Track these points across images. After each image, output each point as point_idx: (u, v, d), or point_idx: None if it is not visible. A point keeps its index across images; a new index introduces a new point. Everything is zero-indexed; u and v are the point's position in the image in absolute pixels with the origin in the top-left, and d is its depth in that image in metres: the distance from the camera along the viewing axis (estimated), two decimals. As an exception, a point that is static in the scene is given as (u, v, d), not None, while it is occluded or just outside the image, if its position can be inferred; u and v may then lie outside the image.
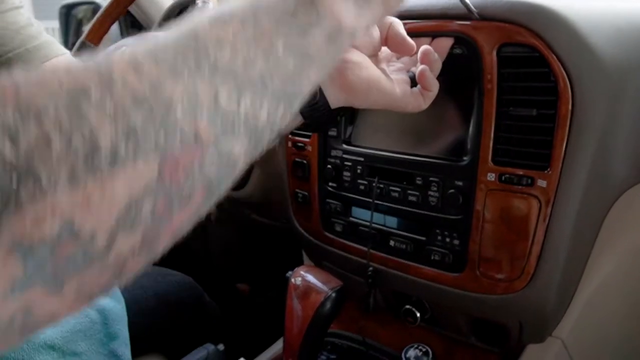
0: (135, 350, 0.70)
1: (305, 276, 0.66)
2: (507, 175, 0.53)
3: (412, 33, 0.57)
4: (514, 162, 0.52)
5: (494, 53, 0.51)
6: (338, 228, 0.71)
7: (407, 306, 0.68)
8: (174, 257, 0.92)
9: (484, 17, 0.51)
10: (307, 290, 0.65)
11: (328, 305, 0.63)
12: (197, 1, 0.75)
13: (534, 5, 0.49)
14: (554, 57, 0.48)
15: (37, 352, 0.62)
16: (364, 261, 0.67)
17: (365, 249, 0.67)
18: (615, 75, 0.49)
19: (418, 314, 0.68)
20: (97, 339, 0.67)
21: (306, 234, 0.76)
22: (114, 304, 0.71)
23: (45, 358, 0.62)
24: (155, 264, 0.83)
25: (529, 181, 0.51)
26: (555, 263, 0.53)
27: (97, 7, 1.32)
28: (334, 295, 0.63)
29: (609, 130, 0.50)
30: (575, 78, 0.48)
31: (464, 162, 0.57)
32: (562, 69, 0.48)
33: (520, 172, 0.52)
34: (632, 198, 0.53)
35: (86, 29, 1.04)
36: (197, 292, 0.87)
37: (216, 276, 1.25)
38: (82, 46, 0.94)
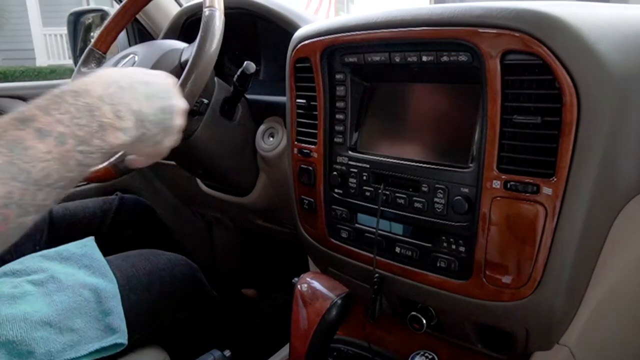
0: (133, 324, 0.71)
1: (311, 283, 0.66)
2: (513, 183, 0.52)
3: (416, 40, 0.58)
4: (519, 169, 0.52)
5: (498, 60, 0.51)
6: (344, 234, 0.71)
7: (413, 313, 0.68)
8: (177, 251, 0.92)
9: (489, 24, 0.51)
10: (313, 296, 0.65)
11: (334, 311, 0.63)
12: (204, 9, 0.76)
13: (538, 12, 0.49)
14: (559, 64, 0.47)
15: (34, 329, 0.64)
16: (370, 268, 0.67)
17: (371, 255, 0.67)
18: (621, 83, 0.49)
19: (424, 321, 0.67)
20: (92, 315, 0.69)
21: (312, 240, 0.76)
22: (107, 283, 0.73)
23: (42, 334, 0.63)
24: (143, 237, 0.81)
25: (535, 189, 0.51)
26: (562, 270, 0.53)
27: (105, 14, 1.33)
28: (339, 302, 0.63)
29: (615, 137, 0.50)
30: (581, 86, 0.48)
31: (470, 169, 0.57)
32: (567, 76, 0.48)
33: (526, 179, 0.52)
34: (638, 207, 0.53)
35: (95, 35, 1.05)
36: (191, 268, 0.87)
37: (223, 281, 1.25)
38: (90, 54, 0.95)
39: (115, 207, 1.03)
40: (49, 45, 9.93)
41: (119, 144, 0.43)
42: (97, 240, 0.83)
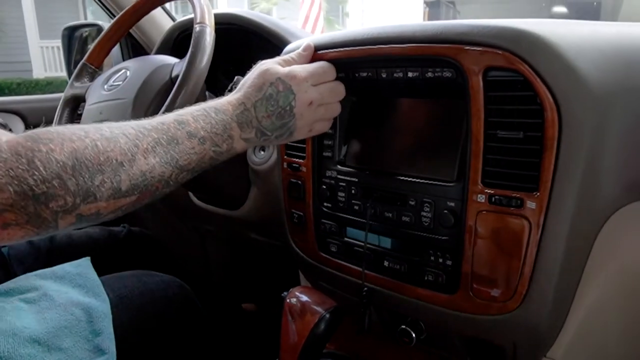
0: (123, 345, 0.71)
1: (300, 297, 0.67)
2: (497, 197, 0.53)
3: (402, 56, 0.59)
4: (504, 183, 0.53)
5: (481, 77, 0.52)
6: (333, 248, 0.71)
7: (403, 326, 0.68)
8: (174, 274, 0.92)
9: (472, 42, 0.52)
10: (302, 310, 0.65)
11: (322, 326, 0.63)
12: (195, 25, 0.77)
13: (518, 30, 0.50)
14: (540, 81, 0.48)
15: (22, 346, 0.63)
16: (359, 281, 0.68)
17: (360, 269, 0.67)
18: (601, 98, 0.50)
19: (413, 334, 0.68)
20: (82, 335, 0.68)
21: (302, 254, 0.77)
22: (99, 303, 0.72)
23: (30, 352, 0.63)
24: (143, 268, 0.83)
25: (519, 203, 0.52)
26: (547, 283, 0.53)
27: (100, 28, 1.34)
28: (328, 316, 0.63)
29: (597, 152, 0.50)
30: (562, 101, 0.49)
31: (455, 184, 0.58)
32: (547, 92, 0.48)
33: (510, 193, 0.52)
34: (622, 219, 0.53)
35: (89, 49, 1.06)
36: (184, 290, 0.86)
37: (221, 296, 1.25)
38: (83, 68, 0.95)
39: (122, 239, 1.03)
40: (46, 57, 9.97)
41: (242, 149, 0.59)
42: (93, 262, 0.83)
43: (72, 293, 0.73)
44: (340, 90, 0.65)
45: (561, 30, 0.51)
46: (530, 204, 0.51)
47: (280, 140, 0.62)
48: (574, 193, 0.50)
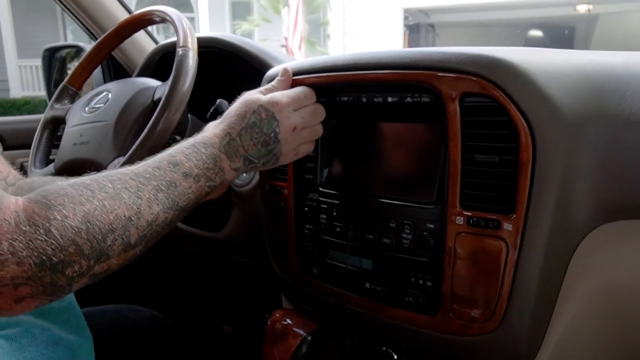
0: None
1: (282, 319, 0.67)
2: (475, 219, 0.54)
3: (381, 82, 0.60)
4: (481, 206, 0.54)
5: (458, 102, 0.53)
6: (315, 270, 0.72)
7: (384, 348, 0.68)
8: (153, 296, 0.90)
9: (448, 68, 0.54)
10: (284, 333, 0.65)
11: (304, 349, 0.63)
12: (178, 49, 0.78)
13: (493, 58, 0.52)
14: (514, 106, 0.50)
15: None
16: (341, 303, 0.68)
17: (341, 291, 0.68)
18: (573, 124, 0.52)
19: (395, 356, 0.68)
20: None
21: (284, 276, 0.77)
22: (82, 341, 0.71)
23: None
24: (126, 301, 0.83)
25: (496, 224, 0.53)
26: (524, 303, 0.54)
27: (80, 49, 1.34)
28: (310, 338, 0.63)
29: (570, 175, 0.52)
30: (535, 126, 0.50)
31: (434, 206, 0.59)
32: (521, 118, 0.50)
33: (487, 215, 0.54)
34: (595, 240, 0.55)
35: (70, 67, 1.05)
36: (167, 328, 0.85)
37: (195, 316, 1.23)
38: (64, 90, 0.95)
39: None
40: (24, 76, 9.85)
41: (232, 179, 0.61)
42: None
43: (55, 330, 0.71)
44: (321, 112, 0.66)
45: (534, 58, 0.53)
46: (507, 226, 0.53)
47: (267, 165, 0.63)
48: (548, 214, 0.52)
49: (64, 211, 0.44)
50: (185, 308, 1.07)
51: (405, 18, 7.44)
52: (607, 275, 0.55)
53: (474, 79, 0.52)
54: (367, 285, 0.66)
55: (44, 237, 0.42)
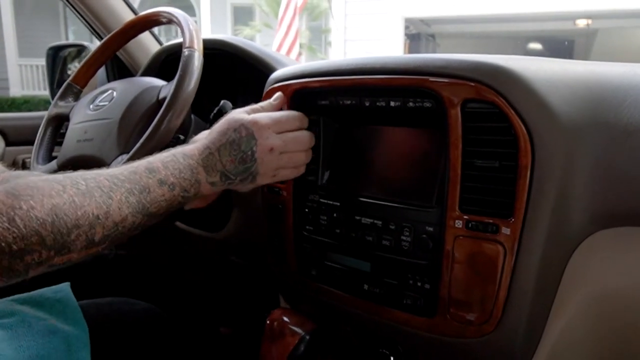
0: None
1: (280, 319, 0.67)
2: (474, 223, 0.55)
3: (384, 87, 0.62)
4: (480, 210, 0.55)
5: (459, 108, 0.54)
6: (313, 271, 0.72)
7: (381, 349, 0.69)
8: (150, 291, 0.91)
9: (450, 74, 0.55)
10: (282, 332, 0.66)
11: (302, 347, 0.63)
12: (184, 50, 0.79)
13: (495, 65, 0.53)
14: (514, 113, 0.51)
15: None
16: (339, 305, 0.68)
17: (340, 292, 0.68)
18: (570, 131, 0.53)
19: (392, 358, 0.68)
20: None
21: (282, 277, 0.77)
22: (78, 332, 0.71)
23: None
24: (124, 295, 0.84)
25: (494, 228, 0.54)
26: (521, 307, 0.55)
27: (83, 48, 1.34)
28: (307, 337, 0.64)
29: (567, 181, 0.53)
30: (534, 133, 0.52)
31: (434, 209, 0.60)
32: (521, 124, 0.51)
33: (486, 219, 0.55)
34: (591, 246, 0.56)
35: (72, 67, 1.06)
36: (164, 322, 0.85)
37: (192, 314, 1.23)
38: (68, 88, 0.96)
39: (109, 262, 1.02)
40: (24, 75, 9.85)
41: (208, 192, 0.62)
42: (74, 284, 0.82)
43: (51, 320, 0.72)
44: (305, 139, 0.67)
45: (534, 67, 0.55)
46: (505, 230, 0.54)
47: (244, 184, 0.64)
48: (546, 219, 0.53)
49: (31, 202, 0.45)
50: (182, 305, 1.07)
51: (406, 27, 7.49)
52: (603, 282, 0.56)
53: (475, 85, 0.53)
54: (366, 287, 0.66)
55: (7, 224, 0.43)
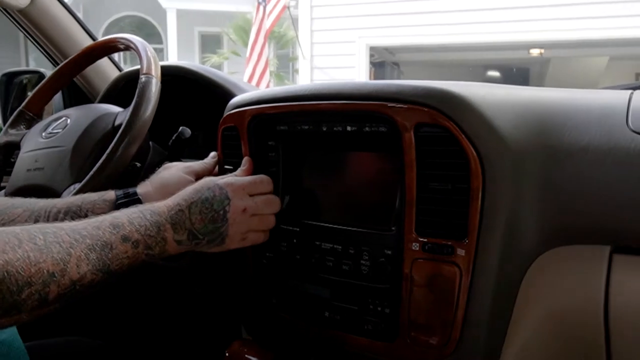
0: None
1: (239, 350, 0.65)
2: (430, 245, 0.56)
3: (339, 112, 0.62)
4: (436, 232, 0.56)
5: (412, 132, 0.56)
6: (274, 300, 0.71)
7: (344, 378, 0.68)
8: (104, 328, 0.87)
9: (403, 100, 0.56)
10: (242, 364, 0.64)
11: (262, 379, 0.62)
12: (141, 76, 0.78)
13: (446, 91, 0.55)
14: (464, 137, 0.53)
15: None
16: (301, 332, 0.67)
17: (301, 320, 0.67)
18: (517, 153, 0.55)
19: (354, 386, 0.67)
20: None
21: (243, 307, 0.76)
22: None
23: None
24: (75, 333, 0.80)
25: (450, 250, 0.55)
26: (478, 328, 0.56)
27: (42, 75, 1.31)
28: (267, 368, 0.62)
29: (516, 202, 0.55)
30: (484, 155, 0.53)
31: (392, 233, 0.60)
32: (471, 147, 0.53)
33: (442, 241, 0.55)
34: (541, 265, 0.57)
35: (29, 95, 1.03)
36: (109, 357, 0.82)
37: (149, 349, 1.19)
38: (20, 115, 0.93)
39: None
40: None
41: (174, 252, 0.59)
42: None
43: None
44: (275, 202, 0.67)
45: (482, 92, 0.57)
46: (460, 251, 0.54)
47: (212, 245, 0.62)
48: (498, 239, 0.54)
49: None
50: (138, 340, 1.03)
51: (372, 55, 7.67)
52: (554, 300, 0.57)
53: (427, 110, 0.54)
54: (327, 314, 0.66)
55: None
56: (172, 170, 0.73)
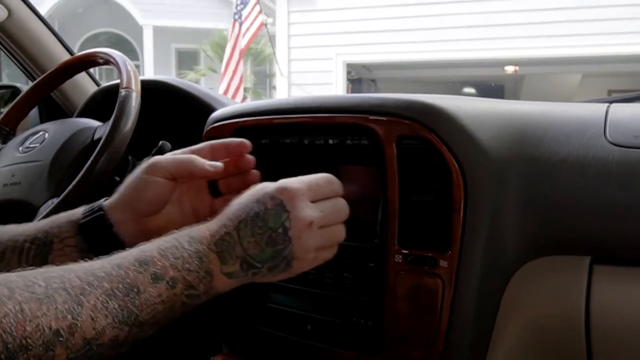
0: None
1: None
2: (413, 257, 0.56)
3: (321, 125, 0.63)
4: (418, 244, 0.56)
5: (394, 144, 0.56)
6: (256, 314, 0.70)
7: (328, 393, 0.67)
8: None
9: (385, 112, 0.57)
10: (224, 381, 0.63)
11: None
12: (121, 90, 0.77)
13: (427, 104, 0.56)
14: (446, 149, 0.54)
15: None
16: (284, 348, 0.66)
17: (284, 335, 0.67)
18: (498, 165, 0.56)
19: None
20: None
21: (224, 322, 0.75)
22: None
23: None
24: None
25: (433, 262, 0.55)
26: (461, 339, 0.56)
27: (17, 90, 1.29)
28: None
29: (499, 213, 0.56)
30: (466, 167, 0.54)
31: (374, 245, 0.60)
32: (453, 159, 0.54)
33: (424, 253, 0.56)
34: (525, 275, 0.58)
35: (2, 111, 1.01)
36: None
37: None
38: (-4, 130, 0.91)
39: None
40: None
41: (224, 289, 0.46)
42: None
43: None
44: (345, 208, 0.53)
45: (463, 105, 0.58)
46: (443, 263, 0.55)
47: (274, 273, 0.48)
48: (481, 250, 0.55)
49: None
50: (119, 356, 1.00)
51: (349, 72, 7.77)
52: (536, 310, 0.57)
53: (409, 122, 0.55)
54: (309, 327, 0.65)
55: None
56: (135, 171, 0.58)
